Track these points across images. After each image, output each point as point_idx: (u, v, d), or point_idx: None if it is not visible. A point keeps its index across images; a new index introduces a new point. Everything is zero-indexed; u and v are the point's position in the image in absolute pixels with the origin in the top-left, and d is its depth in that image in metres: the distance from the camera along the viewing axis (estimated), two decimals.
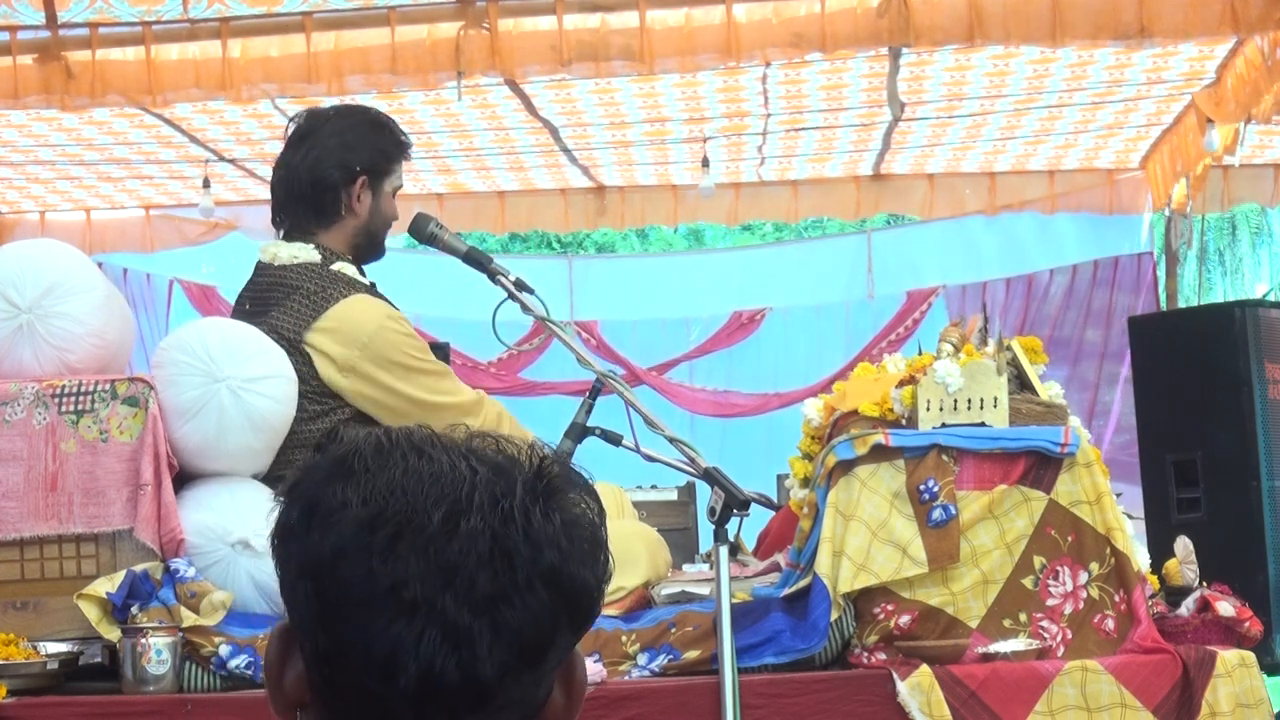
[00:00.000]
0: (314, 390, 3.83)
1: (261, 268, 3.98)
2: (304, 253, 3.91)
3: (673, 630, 3.70)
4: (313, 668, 1.24)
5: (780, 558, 4.02)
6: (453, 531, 1.20)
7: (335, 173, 3.89)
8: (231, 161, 7.81)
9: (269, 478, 3.84)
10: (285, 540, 1.25)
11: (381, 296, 3.97)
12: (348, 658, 1.21)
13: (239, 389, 3.71)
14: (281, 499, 1.26)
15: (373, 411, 3.85)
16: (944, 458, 3.71)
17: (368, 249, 3.99)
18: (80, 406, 3.73)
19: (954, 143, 8.03)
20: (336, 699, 1.23)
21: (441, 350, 4.21)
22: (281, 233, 3.99)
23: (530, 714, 1.25)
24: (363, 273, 4.00)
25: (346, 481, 1.22)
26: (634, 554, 3.88)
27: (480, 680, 1.20)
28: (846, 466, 3.72)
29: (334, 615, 1.21)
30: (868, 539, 3.66)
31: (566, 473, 1.27)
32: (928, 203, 8.74)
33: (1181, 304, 9.11)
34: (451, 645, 1.19)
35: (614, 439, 3.73)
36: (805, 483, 3.93)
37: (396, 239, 4.30)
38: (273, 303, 3.89)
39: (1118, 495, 3.88)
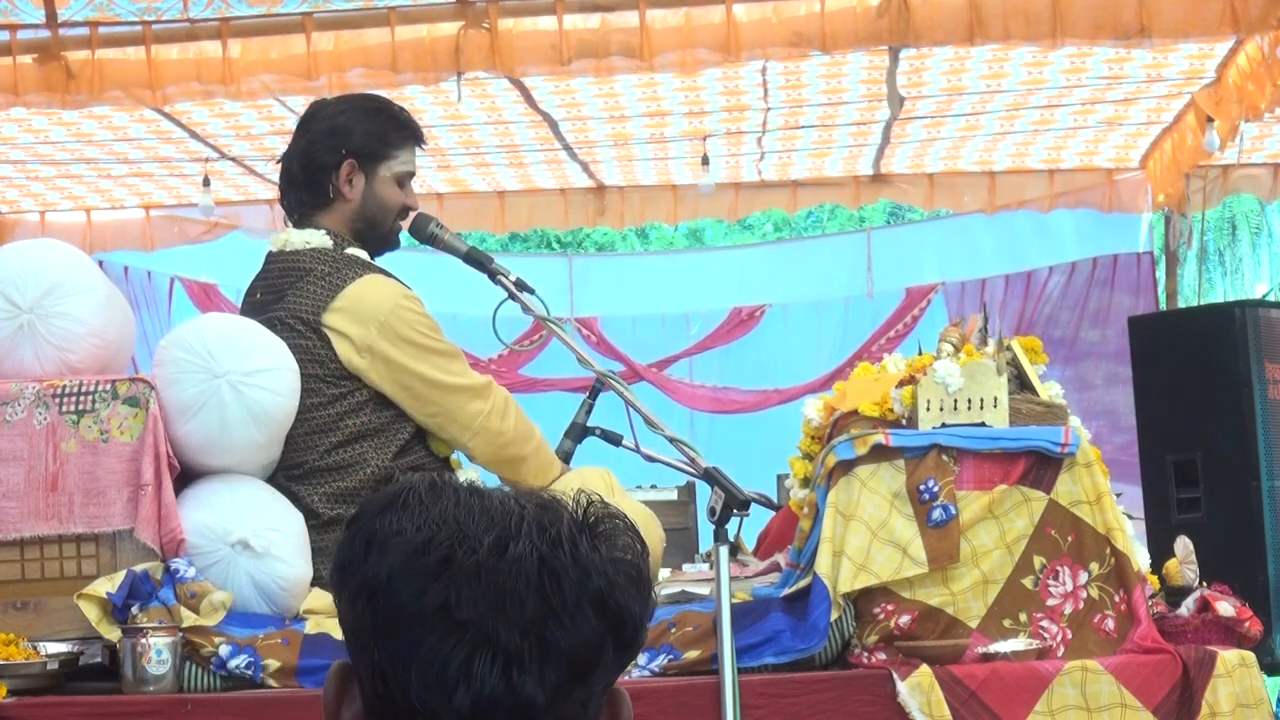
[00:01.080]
0: (332, 373, 3.84)
1: (272, 256, 4.00)
2: (315, 238, 3.94)
3: (673, 630, 3.70)
4: (370, 687, 1.28)
5: (780, 558, 4.02)
6: (502, 554, 1.25)
7: (324, 155, 3.93)
8: (232, 159, 7.81)
9: (285, 467, 3.85)
10: (344, 570, 1.30)
11: (396, 278, 3.98)
12: (401, 675, 1.25)
13: (239, 383, 3.71)
14: (344, 535, 1.32)
15: (390, 391, 3.86)
16: (944, 458, 3.71)
17: (370, 236, 4.01)
18: (81, 406, 3.73)
19: (953, 140, 8.03)
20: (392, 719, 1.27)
21: None
22: (290, 222, 4.02)
23: None
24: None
25: (401, 514, 1.28)
26: None
27: (529, 699, 1.24)
28: (846, 466, 3.72)
29: (388, 632, 1.25)
30: (868, 539, 3.66)
31: (611, 513, 1.32)
32: (928, 201, 8.75)
33: (1181, 304, 9.11)
34: (502, 665, 1.23)
35: (614, 439, 3.73)
36: (805, 483, 3.93)
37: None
38: (287, 287, 3.90)
39: (1118, 495, 3.88)
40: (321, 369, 3.83)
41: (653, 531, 4.01)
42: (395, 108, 4.08)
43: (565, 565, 1.25)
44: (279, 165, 4.08)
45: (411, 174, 4.04)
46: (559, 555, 1.26)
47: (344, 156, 3.93)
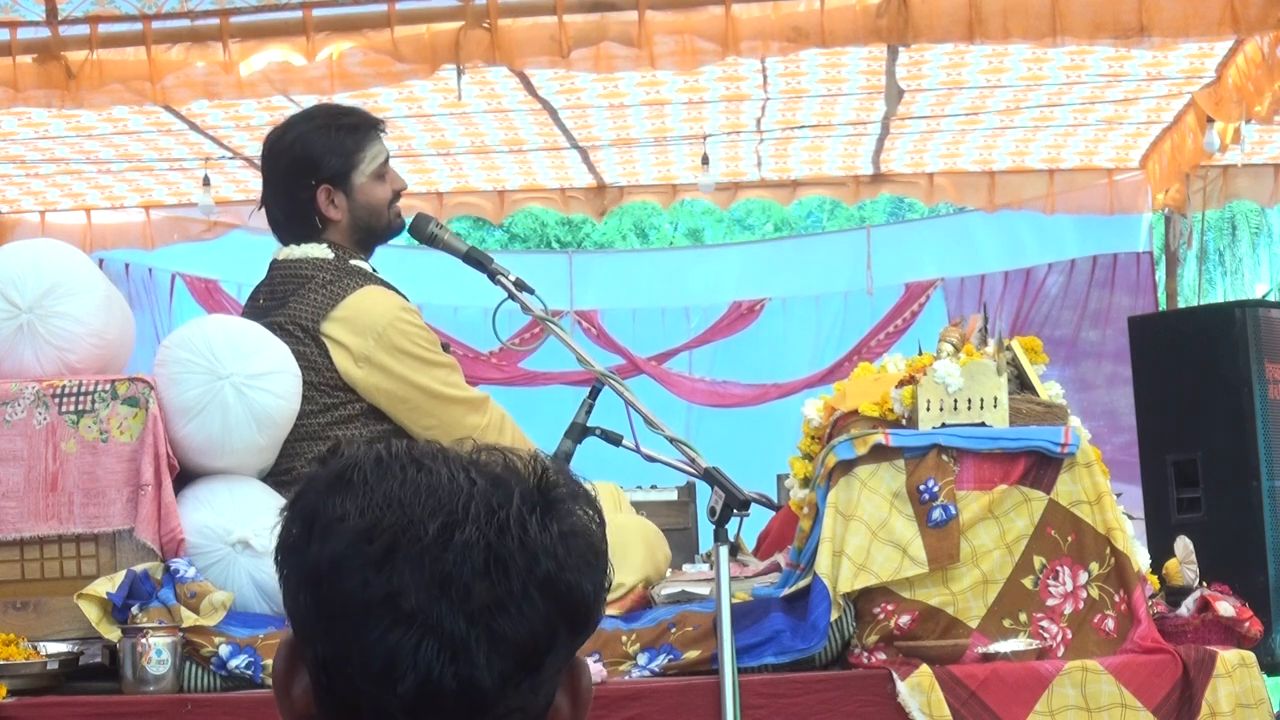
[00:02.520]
0: (327, 382, 3.84)
1: (276, 264, 4.01)
2: (316, 250, 3.94)
3: (673, 630, 3.70)
4: (315, 677, 1.26)
5: (780, 558, 4.02)
6: (448, 542, 1.22)
7: (298, 192, 3.93)
8: (233, 154, 7.80)
9: (274, 473, 3.85)
10: (286, 553, 1.27)
11: (395, 290, 3.98)
12: (347, 666, 1.22)
13: (243, 386, 3.71)
14: (284, 512, 1.28)
15: (385, 404, 3.85)
16: (944, 458, 3.71)
17: (370, 237, 4.02)
18: (80, 406, 3.73)
19: (953, 135, 8.03)
20: (339, 708, 1.25)
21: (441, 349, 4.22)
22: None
23: None
24: (375, 270, 4.02)
25: (345, 494, 1.24)
26: (632, 550, 3.88)
27: (478, 688, 1.21)
28: (846, 466, 3.72)
29: (332, 625, 1.23)
30: (868, 539, 3.66)
31: (567, 483, 1.28)
32: (928, 197, 8.75)
33: (1181, 304, 9.11)
34: (449, 654, 1.21)
35: (614, 439, 3.73)
36: (805, 483, 3.93)
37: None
38: (289, 294, 3.91)
39: (1118, 495, 3.88)
40: (317, 376, 3.83)
41: (659, 550, 4.01)
42: (342, 112, 4.07)
43: (512, 551, 1.22)
44: (261, 208, 4.08)
45: (386, 161, 4.02)
46: (506, 541, 1.22)
47: (316, 186, 3.92)
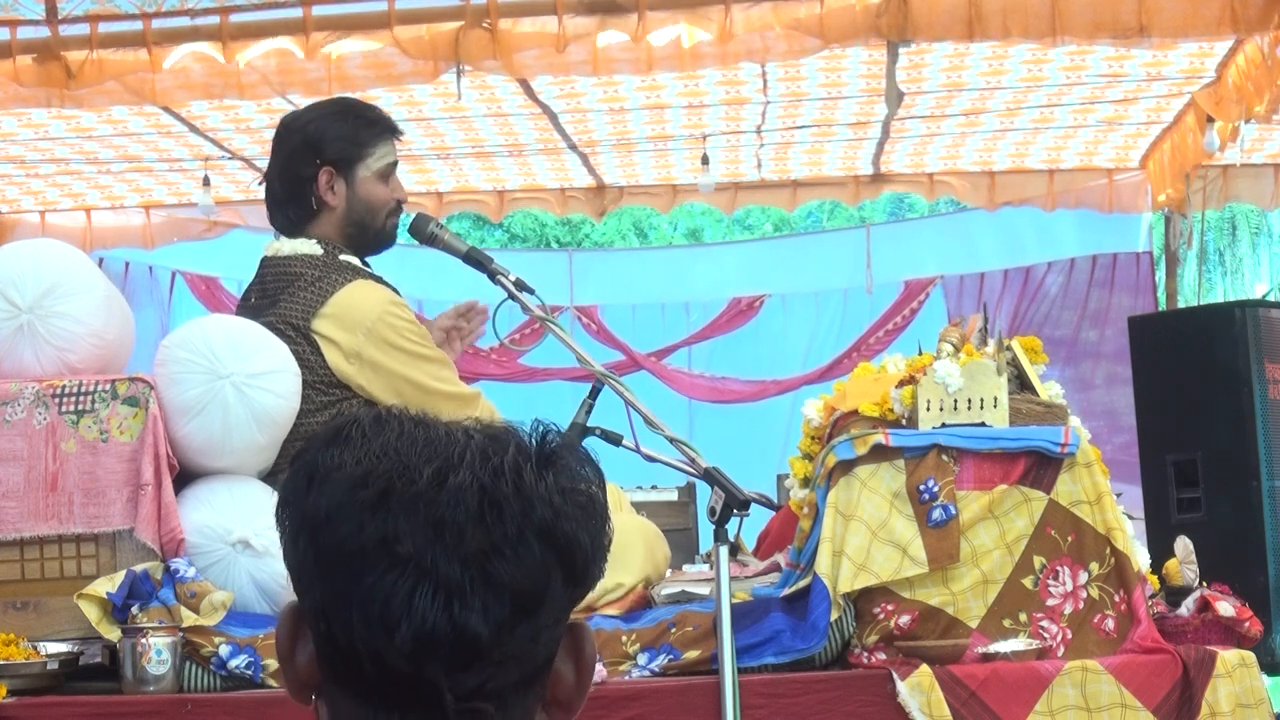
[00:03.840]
0: (321, 380, 3.83)
1: (266, 261, 4.00)
2: (306, 246, 3.93)
3: (673, 630, 3.70)
4: (315, 629, 1.26)
5: (780, 558, 4.02)
6: (440, 485, 1.22)
7: (301, 169, 3.92)
8: (232, 155, 7.81)
9: (273, 473, 3.85)
10: (286, 504, 1.27)
11: (387, 284, 3.98)
12: (344, 613, 1.22)
13: (243, 385, 3.71)
14: (289, 469, 1.29)
15: (379, 398, 3.85)
16: (944, 458, 3.71)
17: (363, 238, 3.99)
18: (80, 406, 3.73)
19: (953, 138, 8.03)
20: (340, 661, 1.24)
21: None
22: (281, 236, 4.02)
23: (531, 674, 1.26)
24: (366, 264, 4.01)
25: (344, 447, 1.25)
26: (632, 550, 3.88)
27: (473, 633, 1.21)
28: (846, 466, 3.72)
29: (330, 570, 1.23)
30: (868, 539, 3.66)
31: (567, 443, 1.28)
32: (929, 194, 8.75)
33: (1181, 304, 9.11)
34: (444, 599, 1.20)
35: (614, 439, 3.73)
36: (805, 483, 3.93)
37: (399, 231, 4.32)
38: (279, 292, 3.90)
39: (1118, 495, 3.88)
40: (311, 375, 3.83)
41: (659, 550, 4.01)
42: (363, 106, 4.08)
43: (507, 495, 1.22)
44: (263, 185, 4.08)
45: (393, 166, 4.02)
46: (500, 485, 1.22)
47: (320, 166, 3.91)
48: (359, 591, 1.21)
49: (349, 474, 1.23)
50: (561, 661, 1.28)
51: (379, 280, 3.96)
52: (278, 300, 3.89)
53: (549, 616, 1.25)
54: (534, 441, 1.26)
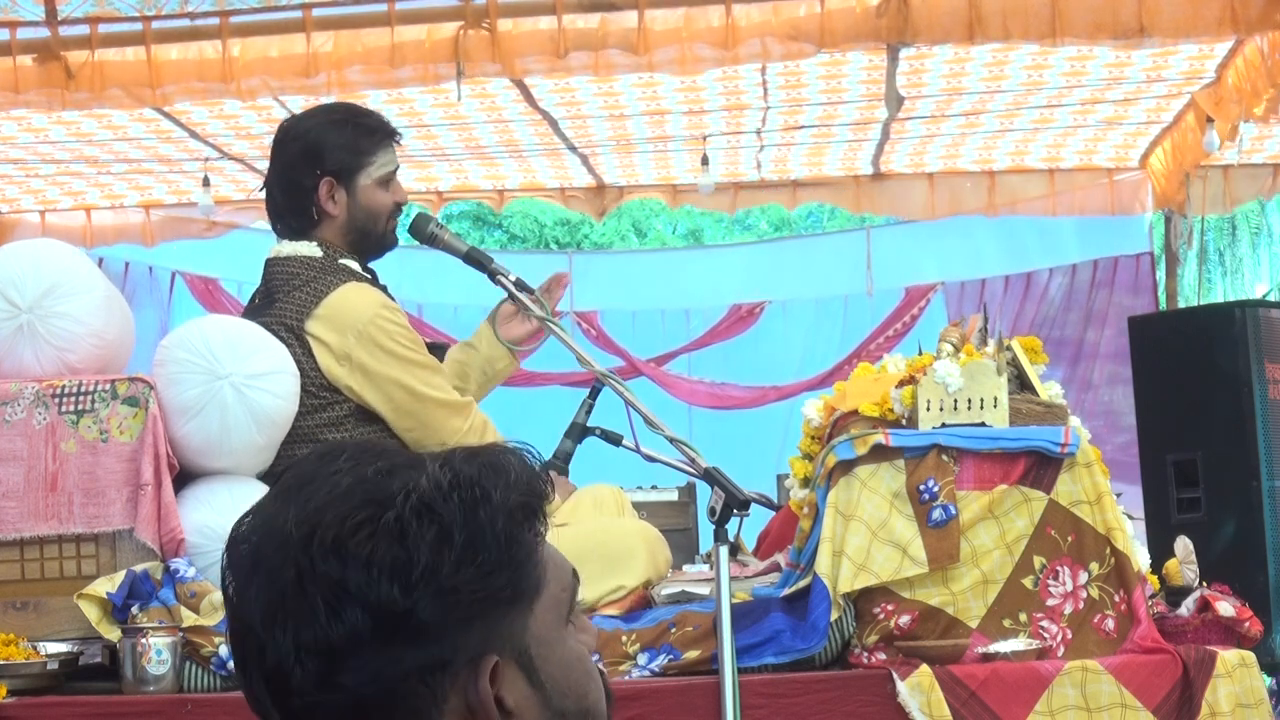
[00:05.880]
0: (313, 383, 3.83)
1: (268, 262, 4.00)
2: (305, 248, 3.93)
3: (673, 630, 3.70)
4: None
5: (780, 558, 4.02)
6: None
7: (302, 179, 3.91)
8: (230, 158, 7.81)
9: (268, 475, 3.84)
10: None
11: (383, 289, 3.97)
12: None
13: (242, 386, 3.71)
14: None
15: (370, 402, 3.84)
16: (944, 458, 3.71)
17: (365, 243, 3.99)
18: (80, 406, 3.73)
19: (953, 139, 8.03)
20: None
21: (439, 351, 4.21)
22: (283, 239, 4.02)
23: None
24: (367, 268, 4.01)
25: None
26: (633, 552, 3.88)
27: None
28: (846, 466, 3.71)
29: None
30: (868, 539, 3.66)
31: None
32: (928, 203, 8.74)
33: (1181, 304, 9.11)
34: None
35: (614, 439, 3.73)
36: (805, 483, 3.93)
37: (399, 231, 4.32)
38: (276, 292, 3.90)
39: (1118, 495, 3.88)
40: (304, 377, 3.82)
41: (659, 553, 4.01)
42: (362, 113, 4.05)
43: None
44: (264, 191, 4.07)
45: (393, 173, 4.01)
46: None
47: (320, 176, 3.90)
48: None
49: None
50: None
51: (374, 284, 3.96)
52: (274, 301, 3.89)
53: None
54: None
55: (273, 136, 4.08)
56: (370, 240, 3.98)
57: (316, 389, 3.83)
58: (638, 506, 4.66)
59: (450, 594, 1.32)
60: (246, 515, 1.39)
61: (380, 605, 1.31)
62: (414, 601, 1.31)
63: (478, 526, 1.34)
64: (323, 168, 3.89)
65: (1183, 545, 4.10)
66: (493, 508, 1.35)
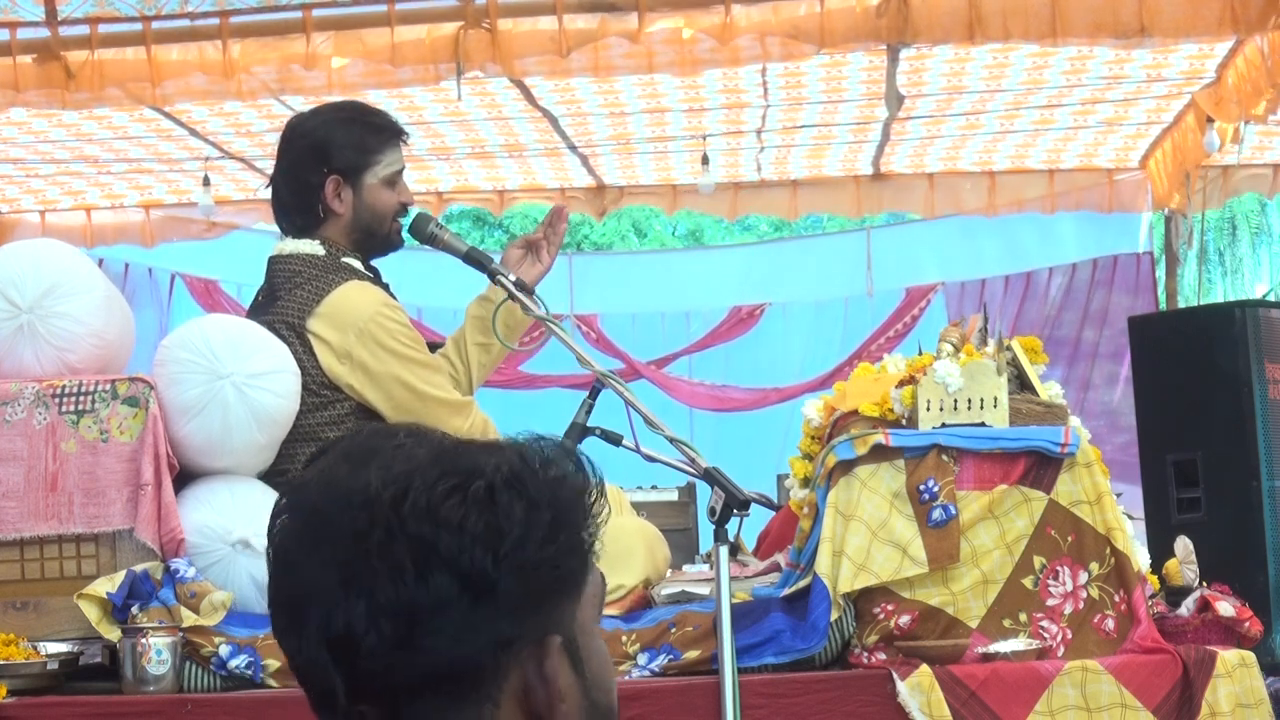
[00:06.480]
0: (314, 381, 3.83)
1: (271, 260, 4.00)
2: (308, 246, 3.93)
3: (673, 630, 3.70)
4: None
5: (780, 558, 4.02)
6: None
7: (308, 176, 3.91)
8: (230, 156, 7.81)
9: (269, 474, 3.84)
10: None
11: (385, 288, 3.97)
12: None
13: (243, 385, 3.71)
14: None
15: (371, 400, 3.84)
16: (944, 458, 3.71)
17: (370, 242, 3.99)
18: (80, 406, 3.73)
19: (953, 140, 8.03)
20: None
21: (439, 349, 4.21)
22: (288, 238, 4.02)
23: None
24: (370, 267, 4.01)
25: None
26: (632, 551, 3.88)
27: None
28: (846, 466, 3.71)
29: None
30: (868, 539, 3.66)
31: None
32: (929, 202, 8.75)
33: (1181, 304, 9.11)
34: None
35: (614, 439, 3.72)
36: (805, 483, 3.93)
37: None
38: (278, 290, 3.90)
39: (1118, 495, 3.88)
40: (305, 375, 3.82)
41: (659, 552, 4.01)
42: (370, 112, 4.05)
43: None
44: (269, 188, 4.07)
45: (400, 172, 4.01)
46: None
47: (327, 175, 3.90)
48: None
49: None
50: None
51: (376, 282, 3.96)
52: (277, 299, 3.89)
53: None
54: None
55: (274, 134, 4.08)
56: (375, 240, 3.99)
57: (317, 387, 3.83)
58: (638, 506, 4.67)
59: (532, 569, 1.32)
60: (296, 486, 1.37)
61: (469, 572, 1.30)
62: (500, 572, 1.31)
63: (561, 506, 1.34)
64: (329, 166, 3.89)
65: (1183, 545, 4.10)
66: (571, 490, 1.36)
